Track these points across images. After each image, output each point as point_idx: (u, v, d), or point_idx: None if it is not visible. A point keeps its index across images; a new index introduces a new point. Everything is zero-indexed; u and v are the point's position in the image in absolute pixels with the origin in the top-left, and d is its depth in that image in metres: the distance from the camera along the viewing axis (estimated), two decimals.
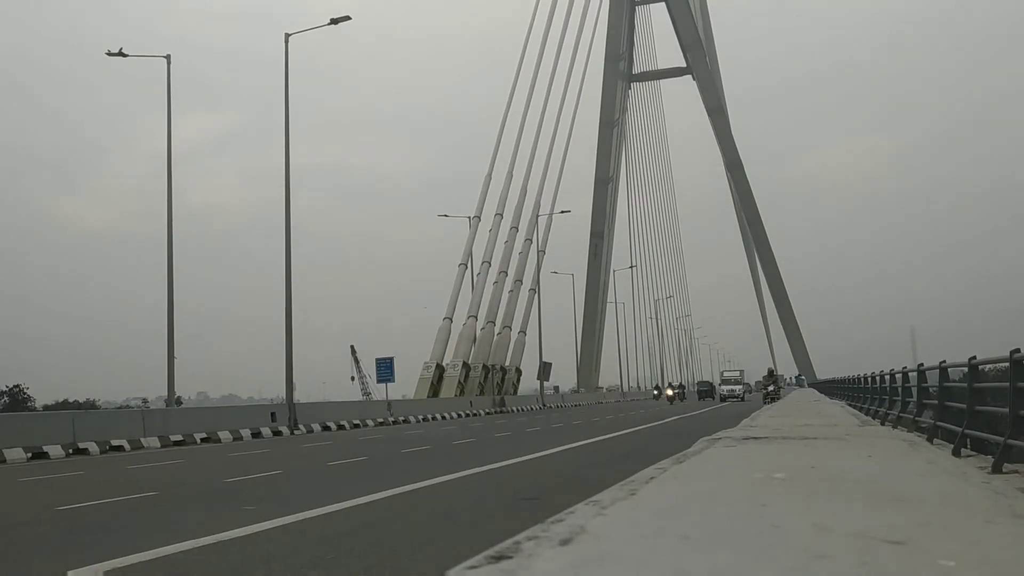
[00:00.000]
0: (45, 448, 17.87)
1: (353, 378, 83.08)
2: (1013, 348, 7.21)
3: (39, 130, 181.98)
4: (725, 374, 79.87)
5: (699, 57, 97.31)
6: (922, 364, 12.51)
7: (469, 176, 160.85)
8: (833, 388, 38.99)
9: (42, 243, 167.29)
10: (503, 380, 50.26)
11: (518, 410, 45.50)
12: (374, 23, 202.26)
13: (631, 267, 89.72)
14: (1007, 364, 7.36)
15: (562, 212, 58.32)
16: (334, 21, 28.63)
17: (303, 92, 66.74)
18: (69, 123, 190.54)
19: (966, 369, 9.10)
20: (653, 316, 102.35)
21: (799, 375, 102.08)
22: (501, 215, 55.39)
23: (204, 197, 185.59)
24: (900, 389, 15.19)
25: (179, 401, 31.19)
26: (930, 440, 10.17)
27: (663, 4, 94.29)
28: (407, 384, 47.99)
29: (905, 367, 15.42)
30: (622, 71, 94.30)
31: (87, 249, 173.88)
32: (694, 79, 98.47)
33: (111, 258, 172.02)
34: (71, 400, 57.86)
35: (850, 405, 24.36)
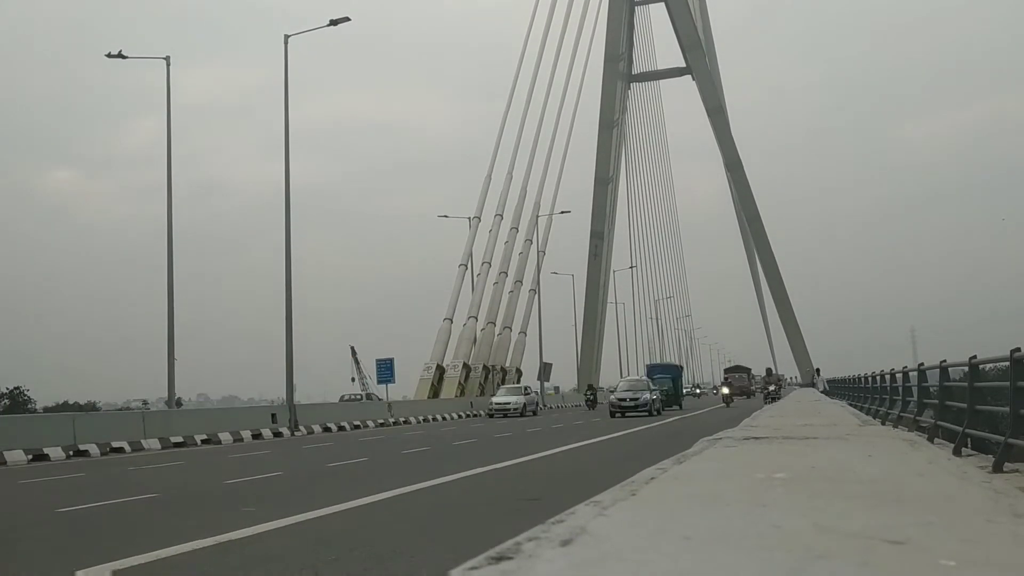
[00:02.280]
0: (46, 450, 17.86)
1: (353, 379, 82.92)
2: (1013, 347, 7.22)
3: (34, 114, 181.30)
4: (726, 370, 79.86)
5: (699, 57, 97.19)
6: (922, 363, 12.53)
7: (469, 177, 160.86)
8: (834, 388, 38.99)
9: (41, 242, 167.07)
10: (503, 381, 50.27)
11: None
12: (368, 22, 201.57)
13: (631, 267, 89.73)
14: (1007, 363, 7.37)
15: (562, 212, 58.41)
16: (333, 22, 28.59)
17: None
18: (65, 110, 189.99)
19: (966, 368, 9.11)
20: (653, 316, 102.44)
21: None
22: (501, 216, 55.46)
23: (204, 189, 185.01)
24: (900, 389, 15.21)
25: (179, 403, 31.19)
26: (931, 440, 10.18)
27: (663, 4, 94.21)
28: (408, 385, 48.12)
29: (905, 367, 15.44)
30: (622, 71, 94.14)
31: (87, 249, 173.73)
32: (694, 79, 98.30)
33: (111, 258, 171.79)
34: (71, 402, 57.86)
35: (851, 405, 24.38)
